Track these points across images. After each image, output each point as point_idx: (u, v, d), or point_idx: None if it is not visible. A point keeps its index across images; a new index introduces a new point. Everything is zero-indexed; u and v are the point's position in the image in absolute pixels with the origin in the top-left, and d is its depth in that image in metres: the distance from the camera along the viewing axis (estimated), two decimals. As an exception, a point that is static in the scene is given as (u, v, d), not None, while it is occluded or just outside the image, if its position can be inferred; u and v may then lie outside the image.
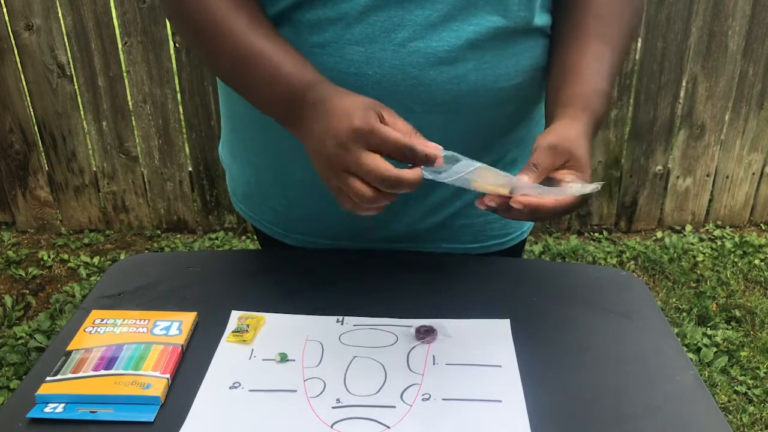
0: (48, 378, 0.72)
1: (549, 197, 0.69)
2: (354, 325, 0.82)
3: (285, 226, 0.98)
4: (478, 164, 0.68)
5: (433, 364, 0.76)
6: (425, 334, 0.79)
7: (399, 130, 0.66)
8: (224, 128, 1.01)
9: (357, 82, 0.78)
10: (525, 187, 0.69)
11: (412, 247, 0.96)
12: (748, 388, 1.94)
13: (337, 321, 0.83)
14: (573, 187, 0.71)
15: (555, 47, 0.85)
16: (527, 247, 2.59)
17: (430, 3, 0.75)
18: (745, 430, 1.82)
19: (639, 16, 0.86)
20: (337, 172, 0.66)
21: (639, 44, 2.42)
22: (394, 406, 0.70)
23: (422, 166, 0.66)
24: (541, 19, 0.83)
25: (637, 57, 2.44)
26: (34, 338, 2.12)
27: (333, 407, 0.70)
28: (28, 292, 2.41)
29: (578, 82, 0.79)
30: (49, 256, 2.59)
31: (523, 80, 0.83)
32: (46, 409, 0.69)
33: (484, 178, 0.69)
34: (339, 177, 0.67)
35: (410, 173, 0.65)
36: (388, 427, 0.67)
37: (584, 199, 0.71)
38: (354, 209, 0.68)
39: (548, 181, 0.72)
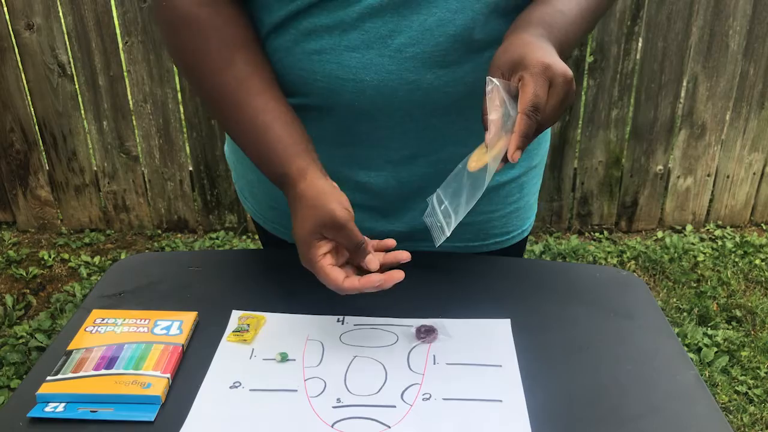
0: (48, 377, 0.72)
1: (517, 123, 0.67)
2: (354, 325, 0.82)
3: (287, 225, 0.98)
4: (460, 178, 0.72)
5: (434, 363, 0.76)
6: (426, 334, 0.79)
7: (345, 246, 0.74)
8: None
9: (355, 88, 0.78)
10: (496, 138, 0.69)
11: (412, 247, 0.96)
12: (749, 388, 1.94)
13: (338, 321, 0.83)
14: (504, 108, 0.68)
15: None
16: (528, 247, 2.59)
17: (425, 8, 0.75)
18: (746, 430, 1.82)
19: None
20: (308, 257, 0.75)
21: (640, 44, 2.42)
22: (395, 406, 0.70)
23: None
24: None
25: (638, 57, 2.44)
26: (35, 338, 2.12)
27: (333, 407, 0.70)
28: (28, 291, 2.42)
29: (541, 5, 0.76)
30: (49, 256, 2.59)
31: None
32: (47, 409, 0.69)
33: (470, 162, 0.72)
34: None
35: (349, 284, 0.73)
36: (389, 427, 0.67)
37: (544, 78, 0.66)
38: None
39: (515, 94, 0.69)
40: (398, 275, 0.74)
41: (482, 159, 0.71)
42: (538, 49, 0.68)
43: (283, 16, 0.79)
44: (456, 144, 0.85)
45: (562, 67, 0.67)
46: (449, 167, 0.86)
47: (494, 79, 0.69)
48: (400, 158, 0.85)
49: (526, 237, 1.04)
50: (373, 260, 0.75)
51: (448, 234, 0.73)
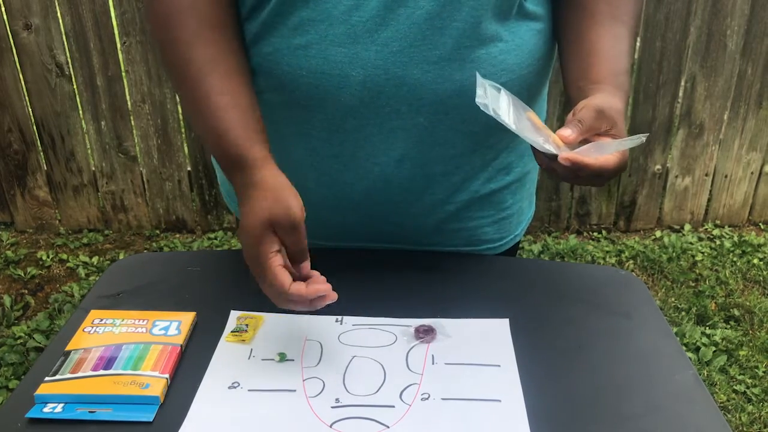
0: (47, 378, 0.72)
1: (591, 155, 0.71)
2: (353, 325, 0.82)
3: None
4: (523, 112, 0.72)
5: (432, 363, 0.76)
6: (424, 334, 0.79)
7: (289, 248, 0.71)
8: None
9: (341, 83, 0.77)
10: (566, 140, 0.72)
11: (404, 248, 0.96)
12: (747, 387, 1.94)
13: (336, 321, 0.83)
14: (612, 143, 0.72)
15: (566, 32, 0.85)
16: (526, 246, 2.59)
17: (413, 2, 0.74)
18: (744, 429, 1.82)
19: (641, 1, 0.88)
20: (250, 253, 0.72)
21: (638, 43, 2.42)
22: (393, 406, 0.70)
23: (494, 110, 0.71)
24: (533, 5, 0.82)
25: (636, 56, 2.44)
26: (33, 338, 2.12)
27: (332, 407, 0.70)
28: (26, 292, 2.41)
29: (605, 62, 0.80)
30: (47, 256, 2.58)
31: (509, 79, 0.81)
32: (45, 409, 0.69)
33: (533, 115, 0.73)
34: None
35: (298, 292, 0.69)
36: (388, 427, 0.67)
37: (624, 161, 0.73)
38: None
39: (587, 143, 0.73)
40: (331, 297, 0.71)
41: (542, 127, 0.73)
42: (624, 129, 0.76)
43: (272, 10, 0.78)
44: (443, 145, 0.84)
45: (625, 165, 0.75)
46: (436, 170, 0.86)
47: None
48: (387, 160, 0.83)
49: (519, 241, 1.04)
50: (307, 266, 0.73)
51: (512, 118, 0.71)
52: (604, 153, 0.71)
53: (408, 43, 0.76)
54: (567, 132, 0.72)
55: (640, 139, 0.72)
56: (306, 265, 0.73)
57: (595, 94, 0.76)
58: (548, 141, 0.72)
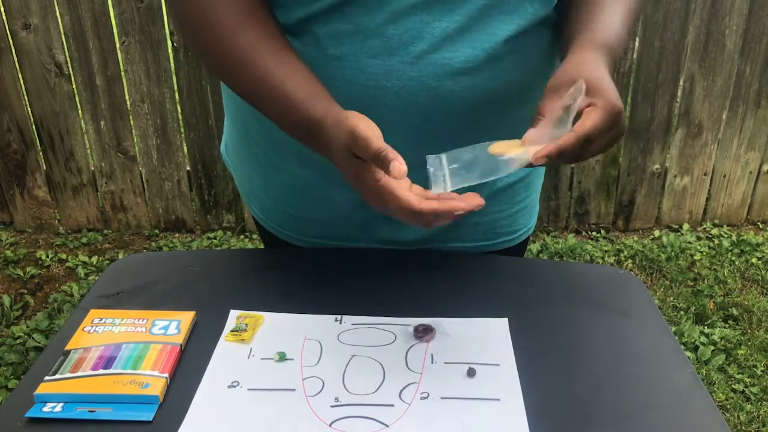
0: (46, 377, 0.72)
1: (563, 137, 0.66)
2: (352, 324, 0.82)
3: (300, 230, 0.98)
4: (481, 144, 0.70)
5: (432, 362, 0.76)
6: (424, 333, 0.79)
7: (366, 159, 0.67)
8: (231, 135, 1.01)
9: (375, 94, 0.78)
10: (535, 139, 0.68)
11: (422, 248, 0.96)
12: (746, 387, 1.95)
13: (336, 320, 0.83)
14: (564, 115, 0.67)
15: (567, 9, 0.83)
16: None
17: (447, 15, 0.75)
18: (743, 428, 1.82)
19: None
20: (361, 190, 0.70)
21: (636, 43, 2.42)
22: (393, 405, 0.70)
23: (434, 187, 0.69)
24: (545, 10, 0.82)
25: (635, 56, 2.44)
26: (33, 338, 2.12)
27: (332, 406, 0.70)
28: (26, 291, 2.41)
29: (592, 24, 0.78)
30: (47, 256, 2.58)
31: (531, 81, 0.84)
32: (45, 409, 0.69)
33: (494, 146, 0.70)
34: (366, 194, 0.70)
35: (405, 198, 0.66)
36: (387, 426, 0.68)
37: (613, 105, 0.67)
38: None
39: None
40: (478, 200, 0.66)
41: (510, 149, 0.69)
42: (613, 89, 0.69)
43: (300, 18, 0.78)
44: (468, 144, 0.84)
45: (624, 119, 0.69)
46: None
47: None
48: (417, 161, 0.84)
49: (528, 238, 1.05)
50: (399, 167, 0.64)
51: (450, 189, 0.68)
52: (567, 126, 0.67)
53: (441, 56, 0.77)
54: (531, 134, 0.69)
55: (579, 87, 0.67)
56: (394, 164, 0.65)
57: (576, 51, 0.73)
58: (516, 158, 0.69)
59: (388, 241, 0.96)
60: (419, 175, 0.85)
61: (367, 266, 0.93)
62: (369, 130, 0.67)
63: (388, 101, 0.78)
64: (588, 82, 0.68)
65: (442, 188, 0.69)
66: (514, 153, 0.69)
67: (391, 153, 0.65)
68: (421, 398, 0.71)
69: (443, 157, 0.71)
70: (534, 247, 2.58)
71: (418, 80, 0.77)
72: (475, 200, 0.67)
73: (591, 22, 0.78)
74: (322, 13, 0.77)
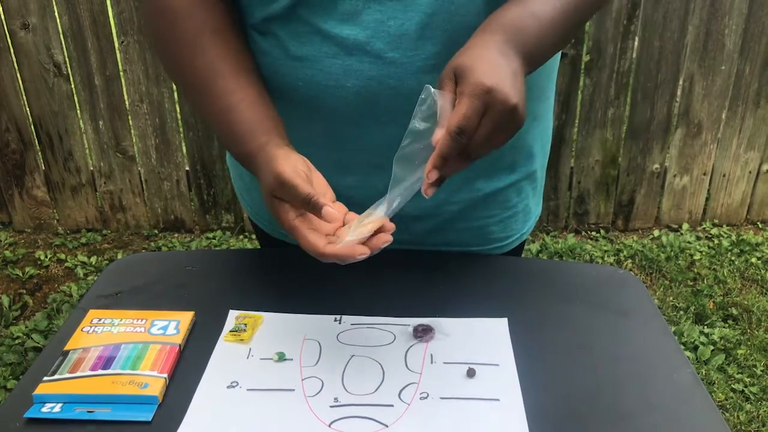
0: (45, 378, 0.72)
1: (438, 140, 0.64)
2: (352, 324, 0.82)
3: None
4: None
5: (431, 362, 0.76)
6: (423, 333, 0.79)
7: (296, 203, 0.70)
8: None
9: (337, 93, 0.78)
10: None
11: (409, 248, 0.96)
12: (745, 386, 1.95)
13: (335, 320, 0.83)
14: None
15: None
16: (524, 246, 2.59)
17: (402, 12, 0.75)
18: (743, 427, 1.82)
19: None
20: (281, 225, 0.72)
21: (636, 43, 2.42)
22: (392, 405, 0.70)
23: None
24: None
25: (634, 56, 2.44)
26: (31, 338, 2.12)
27: (331, 406, 0.70)
28: (24, 291, 2.41)
29: (513, 6, 0.70)
30: (46, 256, 2.58)
31: None
32: (44, 409, 0.69)
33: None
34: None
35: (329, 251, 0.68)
36: (386, 426, 0.67)
37: (480, 100, 0.62)
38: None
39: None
40: (385, 237, 0.67)
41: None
42: (485, 66, 0.63)
43: (262, 18, 0.79)
44: None
45: (503, 93, 0.62)
46: None
47: (432, 89, 0.65)
48: (386, 162, 0.84)
49: (525, 240, 1.04)
50: (332, 212, 0.68)
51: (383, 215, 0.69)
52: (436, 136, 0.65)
53: (401, 54, 0.76)
54: (430, 172, 0.68)
55: (428, 95, 0.64)
56: (326, 209, 0.68)
57: (474, 36, 0.69)
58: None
59: None
60: (390, 175, 0.85)
61: (366, 267, 0.92)
62: (295, 175, 0.69)
63: (351, 101, 0.78)
64: (457, 69, 0.64)
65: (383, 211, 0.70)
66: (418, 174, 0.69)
67: (321, 199, 0.68)
68: (420, 398, 0.71)
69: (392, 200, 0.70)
70: (533, 247, 2.58)
71: (378, 80, 0.77)
72: (381, 239, 0.68)
73: (505, 7, 0.70)
74: (279, 14, 0.78)
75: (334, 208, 0.69)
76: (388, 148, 0.82)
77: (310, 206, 0.69)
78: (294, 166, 0.71)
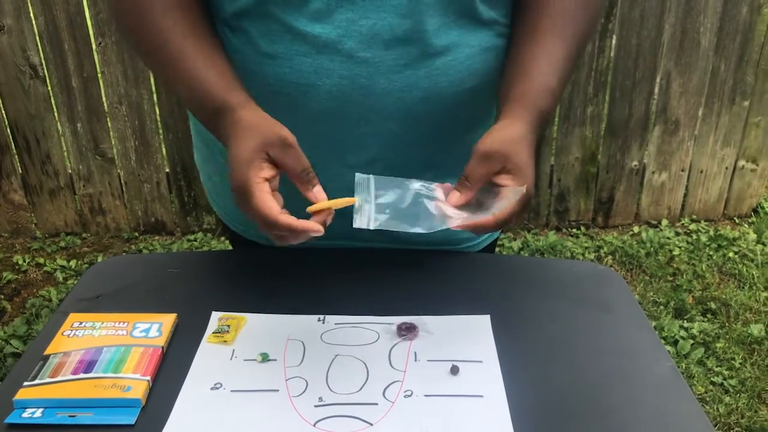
0: (25, 383, 0.71)
1: (484, 217, 0.70)
2: (335, 324, 0.82)
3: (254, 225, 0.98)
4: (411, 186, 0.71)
5: (415, 360, 0.76)
6: (407, 331, 0.79)
7: (291, 169, 0.69)
8: (193, 134, 1.01)
9: (308, 92, 0.78)
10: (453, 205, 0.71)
11: (382, 246, 0.96)
12: (724, 379, 1.98)
13: (318, 320, 0.82)
14: (494, 203, 0.71)
15: (510, 47, 0.85)
16: (506, 243, 2.61)
17: (374, 12, 0.75)
18: (722, 419, 1.85)
19: (593, 20, 0.85)
20: (237, 184, 0.69)
21: (614, 41, 2.44)
22: (377, 404, 0.70)
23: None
24: (488, 15, 0.82)
25: (612, 54, 2.46)
26: (10, 344, 2.09)
27: (315, 406, 0.70)
28: (3, 297, 2.38)
29: (527, 79, 0.79)
30: (24, 260, 2.55)
31: (475, 83, 0.82)
32: (24, 414, 0.68)
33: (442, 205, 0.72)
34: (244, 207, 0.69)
35: (304, 225, 0.67)
36: (371, 425, 0.68)
37: (523, 204, 0.71)
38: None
39: (489, 186, 0.73)
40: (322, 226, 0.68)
41: (444, 206, 0.72)
42: (531, 176, 0.72)
43: (232, 13, 0.78)
44: (413, 147, 0.85)
45: (531, 200, 0.73)
46: (407, 171, 0.86)
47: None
48: (358, 163, 0.84)
49: (497, 239, 1.05)
50: (322, 192, 0.70)
51: (372, 227, 0.69)
52: (493, 209, 0.71)
53: (372, 54, 0.76)
54: (455, 198, 0.72)
55: (521, 190, 0.71)
56: (318, 188, 0.70)
57: (497, 122, 0.76)
58: (454, 218, 0.71)
59: (347, 237, 0.95)
60: (364, 171, 0.86)
61: (349, 266, 0.93)
62: (293, 137, 0.69)
63: (321, 100, 0.78)
64: (514, 164, 0.72)
65: (365, 223, 0.69)
66: (450, 211, 0.71)
67: (316, 177, 0.70)
68: (404, 396, 0.71)
69: (371, 179, 0.72)
70: (515, 244, 2.60)
71: (350, 79, 0.77)
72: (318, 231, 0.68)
73: (524, 83, 0.78)
74: (249, 10, 0.77)
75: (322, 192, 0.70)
76: (359, 148, 0.82)
77: (307, 177, 0.69)
78: (289, 131, 0.69)
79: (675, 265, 2.51)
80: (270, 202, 0.67)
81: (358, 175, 0.72)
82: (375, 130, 0.80)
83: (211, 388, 0.72)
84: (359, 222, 0.69)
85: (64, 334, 0.78)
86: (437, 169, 0.88)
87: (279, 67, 0.78)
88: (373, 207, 0.70)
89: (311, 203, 0.85)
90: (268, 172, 0.68)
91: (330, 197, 0.87)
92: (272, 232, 0.68)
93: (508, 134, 0.73)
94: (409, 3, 0.74)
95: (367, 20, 0.75)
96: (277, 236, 0.68)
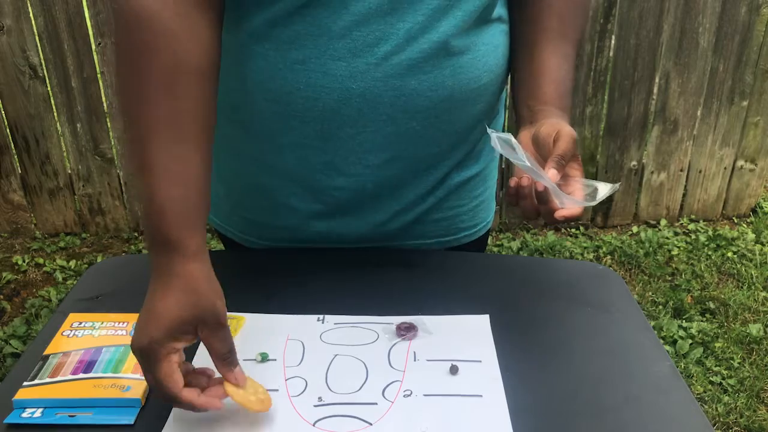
0: (25, 383, 0.71)
1: (576, 206, 0.72)
2: (335, 324, 0.82)
3: (255, 233, 0.98)
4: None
5: (414, 360, 0.76)
6: (406, 331, 0.80)
7: (216, 350, 0.66)
8: None
9: (341, 95, 0.78)
10: (549, 182, 0.72)
11: (380, 246, 0.97)
12: (723, 378, 1.98)
13: (318, 320, 0.83)
14: (598, 191, 0.74)
15: (519, 47, 0.88)
16: (505, 243, 2.61)
17: (411, 15, 0.76)
18: (720, 419, 1.85)
19: (587, 15, 0.90)
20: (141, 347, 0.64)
21: (613, 41, 2.44)
22: (376, 403, 0.70)
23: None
24: (497, 12, 0.84)
25: (611, 54, 2.47)
26: (10, 344, 2.09)
27: (315, 405, 0.70)
28: (2, 297, 2.38)
29: (553, 83, 0.84)
30: (23, 261, 2.55)
31: (489, 79, 0.85)
32: (24, 414, 0.68)
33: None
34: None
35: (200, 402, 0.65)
36: (371, 424, 0.68)
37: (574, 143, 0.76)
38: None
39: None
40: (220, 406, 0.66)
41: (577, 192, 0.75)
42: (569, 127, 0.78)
43: (262, 21, 0.77)
44: (431, 145, 0.86)
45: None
46: (423, 166, 0.88)
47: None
48: (379, 162, 0.85)
49: (490, 228, 1.06)
50: (241, 373, 0.67)
51: (523, 162, 0.71)
52: (581, 203, 0.73)
53: (406, 56, 0.77)
54: (553, 172, 0.72)
55: (615, 187, 0.74)
56: (239, 369, 0.68)
57: (546, 117, 0.79)
58: (603, 190, 0.74)
59: (345, 239, 0.95)
60: (380, 173, 0.85)
61: (349, 266, 0.93)
62: (226, 316, 0.66)
63: (354, 102, 0.78)
64: (557, 132, 0.76)
65: (522, 159, 0.71)
66: (599, 185, 0.75)
67: (237, 359, 0.67)
68: (404, 396, 0.71)
69: (513, 140, 0.73)
70: (514, 244, 2.60)
71: (383, 81, 0.78)
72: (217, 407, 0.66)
73: (548, 85, 0.84)
74: (283, 16, 0.76)
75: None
76: (381, 148, 0.83)
77: (230, 359, 0.66)
78: (223, 303, 0.66)
79: (674, 265, 2.51)
80: (176, 376, 0.64)
81: (493, 135, 0.73)
82: (399, 129, 0.81)
83: (211, 388, 0.72)
84: (505, 154, 0.72)
85: (64, 334, 0.79)
86: (447, 162, 0.91)
87: (311, 72, 0.77)
88: (526, 160, 0.71)
89: (311, 205, 0.85)
90: (184, 344, 0.65)
91: (347, 198, 0.87)
92: (169, 401, 0.65)
93: (552, 123, 0.78)
94: (441, 6, 0.76)
95: (404, 23, 0.76)
96: (174, 404, 0.65)
